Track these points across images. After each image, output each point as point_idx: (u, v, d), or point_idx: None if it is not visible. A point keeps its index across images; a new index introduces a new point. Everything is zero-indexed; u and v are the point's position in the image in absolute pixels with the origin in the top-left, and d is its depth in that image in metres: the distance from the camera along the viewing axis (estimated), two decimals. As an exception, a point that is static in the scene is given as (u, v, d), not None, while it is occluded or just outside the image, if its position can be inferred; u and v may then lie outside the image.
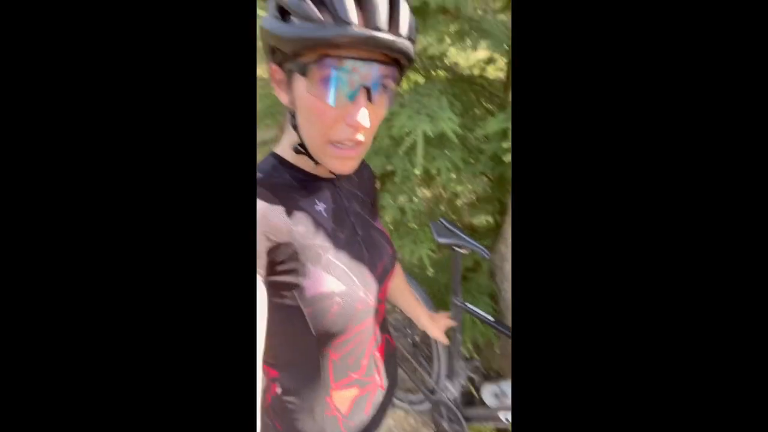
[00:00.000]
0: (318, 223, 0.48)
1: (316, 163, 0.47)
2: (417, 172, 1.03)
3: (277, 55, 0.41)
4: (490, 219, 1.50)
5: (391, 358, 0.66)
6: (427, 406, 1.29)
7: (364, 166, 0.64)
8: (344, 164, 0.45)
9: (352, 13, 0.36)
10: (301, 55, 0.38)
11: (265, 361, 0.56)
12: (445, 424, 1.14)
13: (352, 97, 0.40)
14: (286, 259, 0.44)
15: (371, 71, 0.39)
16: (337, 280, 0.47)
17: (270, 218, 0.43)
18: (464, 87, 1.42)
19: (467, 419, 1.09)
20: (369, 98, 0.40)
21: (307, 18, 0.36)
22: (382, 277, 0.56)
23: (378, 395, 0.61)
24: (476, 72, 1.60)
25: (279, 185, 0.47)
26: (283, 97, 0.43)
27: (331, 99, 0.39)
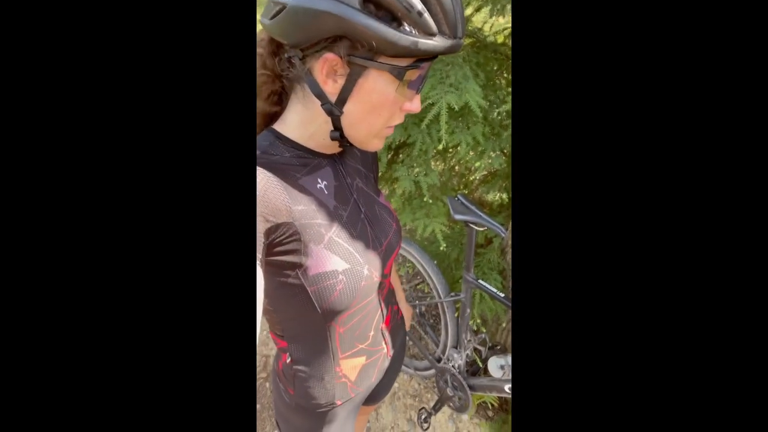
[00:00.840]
0: (320, 202, 0.48)
1: (345, 145, 0.48)
2: (440, 147, 1.00)
3: (345, 48, 0.39)
4: (504, 196, 1.49)
5: (398, 328, 0.69)
6: (431, 372, 1.35)
7: None
8: (382, 142, 0.48)
9: (461, 28, 0.39)
10: (394, 58, 0.39)
11: (273, 332, 0.59)
12: (449, 391, 1.20)
13: (418, 89, 0.44)
14: (286, 239, 0.44)
15: (430, 65, 0.43)
16: (340, 259, 0.48)
17: (268, 198, 0.42)
18: (487, 56, 1.35)
19: (471, 388, 1.14)
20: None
21: (426, 31, 0.37)
22: (387, 253, 0.56)
23: (384, 361, 0.65)
24: (500, 39, 1.51)
25: (278, 163, 0.45)
26: (330, 86, 0.42)
27: (411, 95, 0.44)
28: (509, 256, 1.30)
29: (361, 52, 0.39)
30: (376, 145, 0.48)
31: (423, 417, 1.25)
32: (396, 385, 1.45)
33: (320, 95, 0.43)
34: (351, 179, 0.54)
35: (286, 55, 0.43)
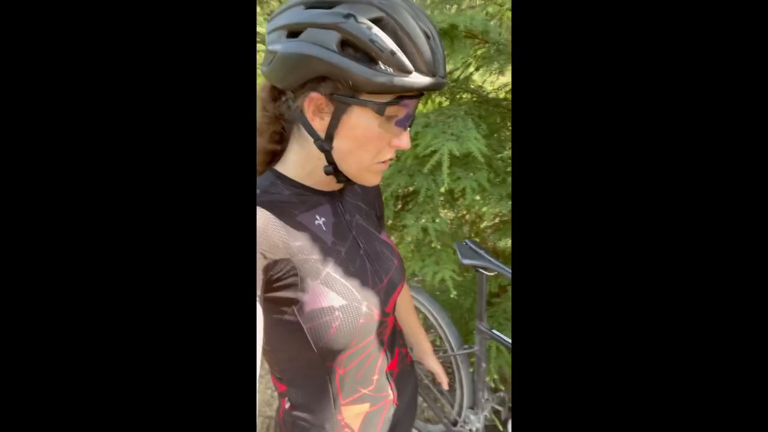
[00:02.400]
0: (317, 237, 0.48)
1: (340, 180, 0.50)
2: (442, 190, 1.02)
3: (327, 87, 0.42)
4: (516, 242, 1.45)
5: (406, 374, 0.64)
6: (447, 439, 1.21)
7: None
8: (378, 177, 0.50)
9: (441, 66, 0.41)
10: (374, 95, 0.42)
11: (273, 375, 0.57)
12: (467, 461, 1.07)
13: (405, 126, 0.46)
14: (284, 275, 0.45)
15: (416, 102, 0.45)
16: (336, 295, 0.47)
17: (267, 236, 0.44)
18: (490, 109, 1.42)
19: (492, 457, 1.01)
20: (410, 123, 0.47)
21: (401, 69, 0.40)
22: (389, 291, 0.55)
23: (390, 410, 0.60)
24: (501, 95, 1.60)
25: (277, 201, 0.47)
26: (318, 123, 0.45)
27: (398, 132, 0.45)
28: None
29: (342, 90, 0.42)
30: (370, 179, 0.49)
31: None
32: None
33: (311, 132, 0.46)
34: (350, 216, 0.55)
35: (283, 98, 0.47)
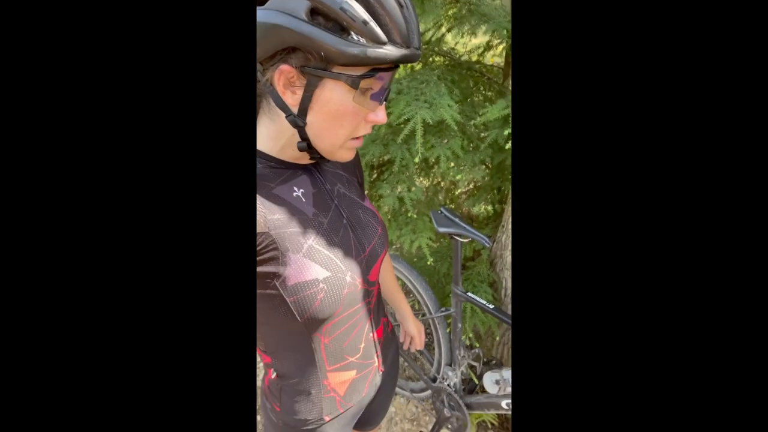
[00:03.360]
0: (296, 210, 0.47)
1: (314, 157, 0.49)
2: (416, 160, 1.01)
3: (298, 59, 0.40)
4: (489, 208, 1.49)
5: (389, 341, 0.67)
6: (428, 393, 1.30)
7: None
8: (352, 153, 0.48)
9: (415, 38, 0.40)
10: (347, 68, 0.40)
11: (258, 348, 0.57)
12: (446, 411, 1.15)
13: (381, 99, 0.44)
14: (263, 249, 0.44)
15: (391, 75, 0.43)
16: (320, 267, 0.47)
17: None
18: (462, 73, 1.40)
19: (468, 406, 1.09)
20: (387, 98, 0.45)
21: (374, 39, 0.38)
22: (371, 259, 0.55)
23: (376, 377, 0.62)
24: (474, 58, 1.57)
25: None
26: (290, 98, 0.43)
27: (373, 105, 0.43)
28: (498, 267, 1.29)
29: (313, 62, 0.39)
30: (343, 155, 0.48)
31: (421, 442, 1.20)
32: (393, 409, 1.39)
33: (283, 107, 0.43)
34: (331, 185, 0.54)
35: None
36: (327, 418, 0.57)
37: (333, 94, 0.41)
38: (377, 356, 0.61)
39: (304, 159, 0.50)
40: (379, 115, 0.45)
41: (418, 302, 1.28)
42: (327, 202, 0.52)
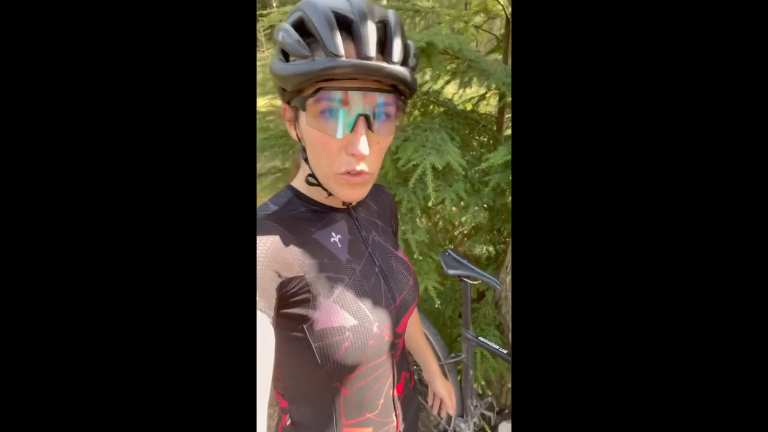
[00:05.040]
0: (332, 255, 0.47)
1: (329, 193, 0.47)
2: (430, 203, 1.03)
3: (285, 94, 0.43)
4: (491, 249, 1.51)
5: (410, 398, 0.63)
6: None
7: (383, 192, 0.64)
8: (354, 192, 0.45)
9: (340, 46, 0.37)
10: (302, 91, 0.40)
11: (276, 389, 0.55)
12: (459, 470, 1.08)
13: (351, 127, 0.40)
14: (297, 292, 0.44)
15: (369, 100, 0.39)
16: (349, 314, 0.46)
17: (282, 254, 0.43)
18: (460, 121, 1.48)
19: (484, 462, 1.03)
20: (369, 126, 0.40)
21: (301, 56, 0.38)
22: (401, 310, 0.54)
23: None
24: (468, 107, 1.67)
25: (293, 218, 0.47)
26: (293, 133, 0.45)
27: (331, 130, 0.40)
28: (504, 309, 1.28)
29: (289, 95, 0.42)
30: (344, 193, 0.44)
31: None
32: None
33: (299, 144, 0.46)
34: (366, 233, 0.54)
35: None
36: None
37: (303, 124, 0.42)
38: (396, 415, 0.58)
39: (337, 202, 0.51)
40: (356, 146, 0.40)
41: (425, 348, 1.23)
42: (362, 250, 0.52)
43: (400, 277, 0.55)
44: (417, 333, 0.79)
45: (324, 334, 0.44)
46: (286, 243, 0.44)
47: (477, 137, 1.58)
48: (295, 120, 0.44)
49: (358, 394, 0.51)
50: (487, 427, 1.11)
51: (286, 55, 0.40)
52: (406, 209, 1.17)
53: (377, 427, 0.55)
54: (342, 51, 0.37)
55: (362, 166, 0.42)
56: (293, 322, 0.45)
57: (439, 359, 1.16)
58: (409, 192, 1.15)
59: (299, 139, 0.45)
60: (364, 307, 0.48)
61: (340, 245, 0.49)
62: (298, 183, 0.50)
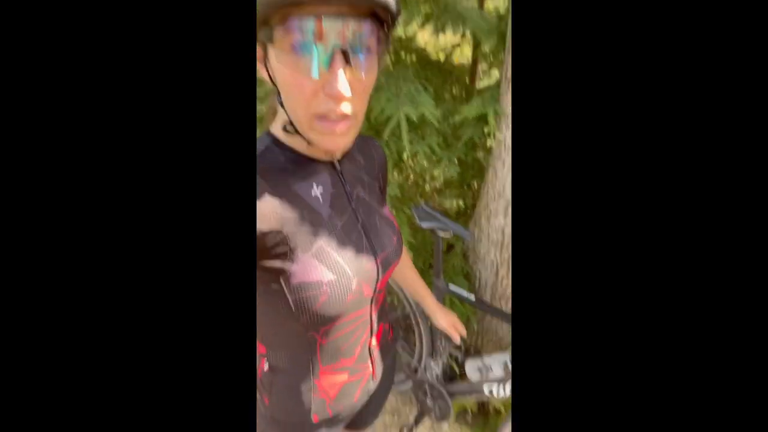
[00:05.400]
0: (312, 209, 0.46)
1: (309, 142, 0.43)
2: (405, 156, 1.02)
3: (259, 30, 0.37)
4: (461, 203, 1.55)
5: (387, 348, 0.66)
6: (408, 386, 1.33)
7: (372, 146, 0.60)
8: (334, 141, 0.40)
9: None
10: (269, 21, 0.35)
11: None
12: (428, 401, 1.19)
13: (327, 64, 0.35)
14: (274, 246, 0.43)
15: (345, 30, 0.34)
16: (327, 269, 0.45)
17: (258, 206, 0.41)
18: (433, 71, 1.43)
19: (451, 395, 1.14)
20: (348, 62, 0.36)
21: None
22: (383, 267, 0.53)
23: (369, 383, 0.61)
24: (442, 57, 1.61)
25: (271, 169, 0.44)
26: (264, 74, 0.40)
27: (304, 68, 0.35)
28: (471, 260, 1.35)
29: (259, 30, 0.36)
30: (321, 141, 0.41)
31: (407, 430, 1.22)
32: (373, 405, 1.40)
33: (273, 86, 0.41)
34: (351, 187, 0.51)
35: None
36: (315, 419, 0.56)
37: (272, 62, 0.38)
38: (371, 362, 0.60)
39: (322, 153, 0.47)
40: (334, 86, 0.35)
41: (398, 297, 1.29)
42: (345, 205, 0.50)
43: (383, 235, 0.54)
44: (411, 274, 0.81)
45: (301, 287, 0.44)
46: (263, 194, 0.42)
47: (449, 89, 1.54)
48: (265, 58, 0.39)
49: (335, 344, 0.52)
50: (454, 365, 1.22)
51: None
52: (379, 163, 1.15)
53: (351, 373, 0.56)
54: None
55: (343, 109, 0.37)
56: (271, 275, 0.44)
57: (411, 306, 1.23)
58: (382, 145, 1.13)
59: (272, 81, 0.40)
60: (344, 262, 0.47)
61: (321, 199, 0.47)
62: (277, 130, 0.46)
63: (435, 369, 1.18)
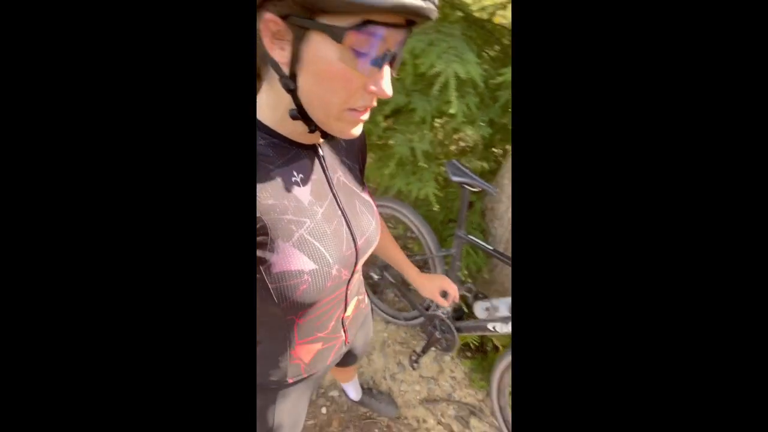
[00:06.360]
0: (293, 197, 0.44)
1: (312, 129, 0.42)
2: (452, 111, 1.09)
3: (282, 6, 0.34)
4: (485, 164, 1.63)
5: (360, 315, 0.69)
6: (420, 321, 1.51)
7: None
8: (356, 129, 0.42)
9: None
10: (334, 17, 0.33)
11: None
12: (437, 334, 1.36)
13: (381, 65, 0.37)
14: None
15: (397, 38, 0.36)
16: (308, 259, 0.45)
17: None
18: (478, 30, 1.45)
19: (458, 330, 1.30)
20: (392, 64, 0.39)
21: None
22: (362, 252, 0.54)
23: (342, 348, 0.65)
24: (485, 16, 1.61)
25: None
26: (278, 54, 0.37)
27: (366, 67, 0.36)
28: (488, 218, 1.47)
29: (298, 10, 0.33)
30: (342, 129, 0.41)
31: (413, 359, 1.41)
32: (385, 335, 1.59)
33: (274, 66, 0.38)
34: (332, 172, 0.50)
35: None
36: (290, 380, 0.60)
37: (318, 50, 0.35)
38: (344, 331, 0.63)
39: (307, 138, 0.45)
40: (381, 85, 0.38)
41: (420, 243, 1.42)
42: (325, 191, 0.49)
43: (363, 219, 0.54)
44: (394, 251, 0.82)
45: (282, 276, 0.44)
46: None
47: (490, 49, 1.56)
48: (293, 42, 0.36)
49: (311, 322, 0.54)
50: (463, 305, 1.38)
51: None
52: (420, 118, 1.22)
53: (326, 342, 0.59)
54: None
55: (374, 101, 0.40)
56: None
57: (431, 252, 1.36)
58: (424, 100, 1.19)
59: (288, 65, 0.37)
60: (324, 250, 0.46)
61: (302, 186, 0.45)
62: (260, 112, 0.43)
63: (446, 308, 1.34)
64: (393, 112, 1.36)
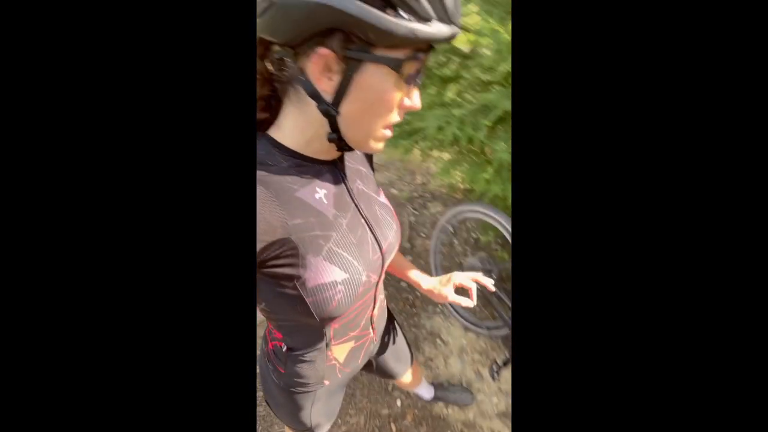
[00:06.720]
0: (317, 213, 0.46)
1: (344, 149, 0.46)
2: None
3: (339, 41, 0.36)
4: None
5: (383, 313, 0.73)
6: (504, 332, 1.46)
7: None
8: (382, 144, 0.46)
9: (459, 14, 0.37)
10: (390, 49, 0.36)
11: (270, 322, 0.61)
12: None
13: (418, 82, 0.42)
14: (282, 254, 0.43)
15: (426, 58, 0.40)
16: (339, 269, 0.47)
17: (263, 216, 0.41)
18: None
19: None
20: (417, 84, 0.43)
21: (423, 16, 0.34)
22: (387, 255, 0.56)
23: (371, 345, 0.70)
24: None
25: (274, 176, 0.43)
26: (324, 85, 0.39)
27: (405, 90, 0.40)
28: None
29: (356, 44, 0.36)
30: (374, 146, 0.45)
31: (495, 369, 1.37)
32: (464, 341, 1.57)
33: (315, 95, 0.40)
34: (351, 182, 0.52)
35: (276, 56, 0.41)
36: (326, 382, 0.65)
37: (374, 80, 0.38)
38: (373, 329, 0.67)
39: (329, 154, 0.47)
40: (415, 101, 0.42)
41: (507, 252, 1.40)
42: (347, 202, 0.51)
43: (385, 224, 0.56)
44: (401, 263, 0.78)
45: (316, 290, 0.46)
46: (268, 205, 0.41)
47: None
48: (343, 72, 0.37)
49: (346, 325, 0.58)
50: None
51: (388, 4, 0.34)
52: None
53: (357, 340, 0.64)
54: (457, 19, 0.37)
55: (401, 118, 0.44)
56: (284, 281, 0.45)
57: (507, 231, 1.33)
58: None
59: (333, 94, 0.39)
60: (353, 259, 0.48)
61: (325, 201, 0.47)
62: (278, 133, 0.45)
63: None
64: (497, 120, 1.39)
